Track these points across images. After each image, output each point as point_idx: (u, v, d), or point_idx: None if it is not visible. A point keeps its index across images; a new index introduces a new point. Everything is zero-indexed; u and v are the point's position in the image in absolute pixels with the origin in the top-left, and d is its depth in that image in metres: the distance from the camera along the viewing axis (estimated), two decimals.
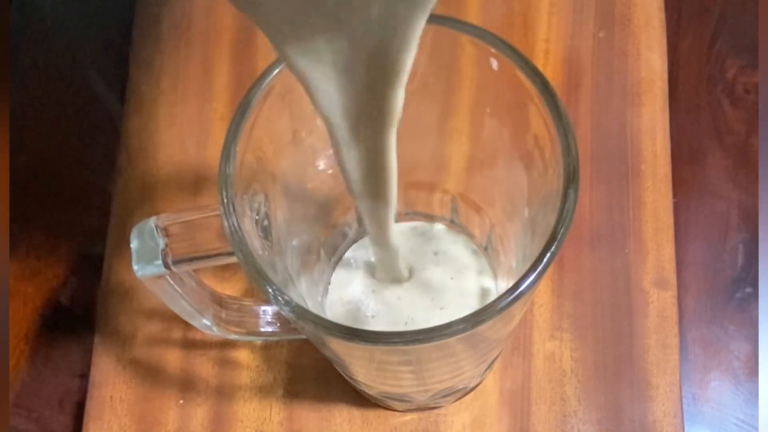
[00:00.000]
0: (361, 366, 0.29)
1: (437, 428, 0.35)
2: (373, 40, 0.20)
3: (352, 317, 0.33)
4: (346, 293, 0.33)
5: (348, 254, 0.35)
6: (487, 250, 0.34)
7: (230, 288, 0.37)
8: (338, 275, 0.34)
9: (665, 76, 0.40)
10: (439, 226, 0.35)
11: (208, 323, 0.31)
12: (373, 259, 0.33)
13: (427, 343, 0.22)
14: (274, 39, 0.20)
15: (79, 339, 0.38)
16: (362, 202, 0.26)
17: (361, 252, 0.35)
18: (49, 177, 0.41)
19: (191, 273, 0.29)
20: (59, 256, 0.40)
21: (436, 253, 0.34)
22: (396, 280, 0.33)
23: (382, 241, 0.28)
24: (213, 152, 0.40)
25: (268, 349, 0.37)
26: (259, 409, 0.36)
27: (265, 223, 0.26)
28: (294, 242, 0.30)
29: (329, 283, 0.34)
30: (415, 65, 0.27)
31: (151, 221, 0.26)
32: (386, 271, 0.32)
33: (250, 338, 0.34)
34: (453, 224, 0.34)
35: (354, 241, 0.35)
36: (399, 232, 0.32)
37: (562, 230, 0.22)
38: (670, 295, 0.36)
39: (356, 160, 0.24)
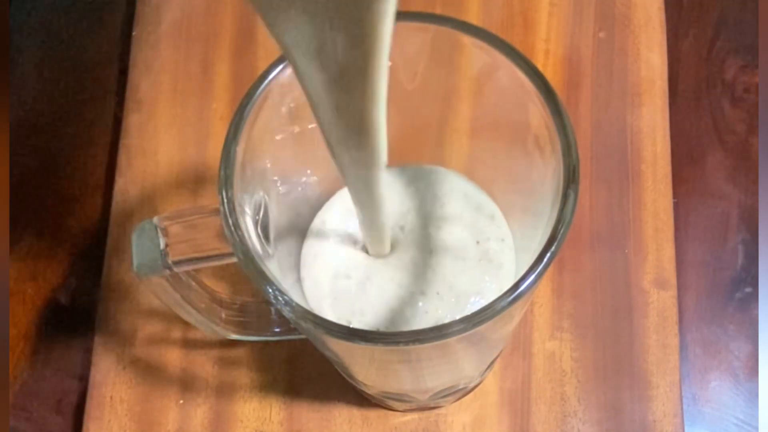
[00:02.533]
0: (361, 366, 0.29)
1: (437, 428, 0.35)
2: None
3: (335, 297, 0.30)
4: (324, 267, 0.30)
5: (318, 220, 0.31)
6: None
7: (230, 288, 0.37)
8: (310, 245, 0.31)
9: (665, 76, 0.40)
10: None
11: (208, 323, 0.31)
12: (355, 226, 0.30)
13: (427, 343, 0.22)
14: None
15: (79, 339, 0.38)
16: (342, 152, 0.23)
17: (334, 215, 0.31)
18: (49, 177, 0.41)
19: (191, 273, 0.29)
20: (59, 256, 0.40)
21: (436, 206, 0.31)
22: (382, 246, 0.29)
23: (369, 205, 0.26)
24: (213, 152, 0.40)
25: (268, 349, 0.37)
26: (259, 409, 0.36)
27: (265, 223, 0.26)
28: (293, 240, 0.31)
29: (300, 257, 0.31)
30: (415, 65, 0.27)
31: (151, 221, 0.26)
32: (372, 237, 0.29)
33: (250, 338, 0.33)
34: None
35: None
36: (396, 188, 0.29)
37: (562, 230, 0.22)
38: (670, 295, 0.36)
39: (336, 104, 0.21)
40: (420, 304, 0.29)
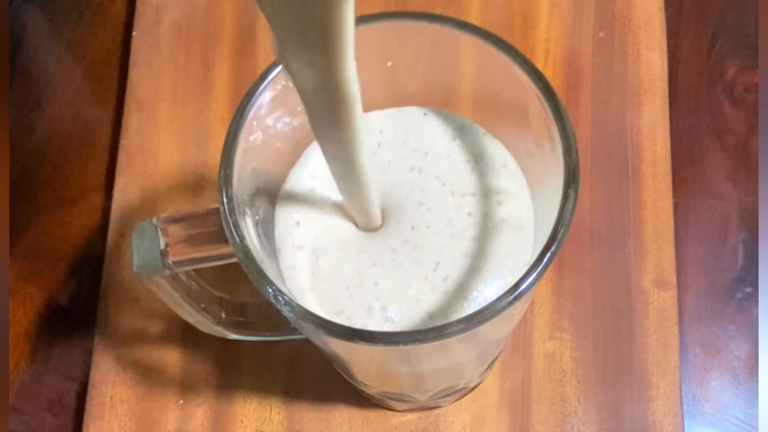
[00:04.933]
0: (361, 366, 0.29)
1: (437, 428, 0.35)
2: None
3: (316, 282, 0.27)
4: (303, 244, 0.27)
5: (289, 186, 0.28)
6: None
7: (230, 288, 0.37)
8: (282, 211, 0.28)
9: (665, 76, 0.40)
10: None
11: (209, 323, 0.31)
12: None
13: (427, 343, 0.22)
14: None
15: (79, 339, 0.38)
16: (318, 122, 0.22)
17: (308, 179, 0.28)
18: (49, 177, 0.41)
19: (191, 273, 0.29)
20: (59, 256, 0.40)
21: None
22: (370, 223, 0.27)
23: (351, 180, 0.24)
24: (213, 152, 0.40)
25: (268, 349, 0.37)
26: (259, 409, 0.36)
27: (265, 222, 0.26)
28: None
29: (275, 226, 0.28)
30: (415, 65, 0.27)
31: (151, 221, 0.26)
32: (358, 212, 0.27)
33: (250, 338, 0.34)
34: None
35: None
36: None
37: (562, 230, 0.22)
38: (670, 295, 0.36)
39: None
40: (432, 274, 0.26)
